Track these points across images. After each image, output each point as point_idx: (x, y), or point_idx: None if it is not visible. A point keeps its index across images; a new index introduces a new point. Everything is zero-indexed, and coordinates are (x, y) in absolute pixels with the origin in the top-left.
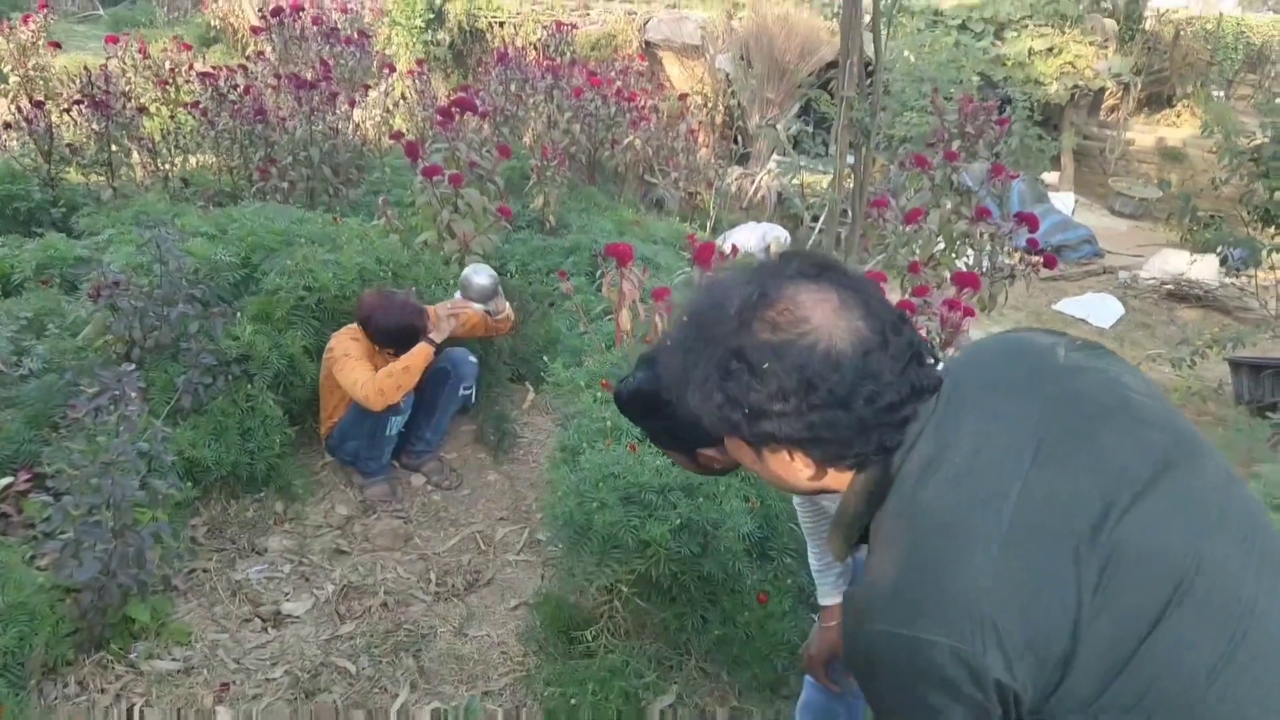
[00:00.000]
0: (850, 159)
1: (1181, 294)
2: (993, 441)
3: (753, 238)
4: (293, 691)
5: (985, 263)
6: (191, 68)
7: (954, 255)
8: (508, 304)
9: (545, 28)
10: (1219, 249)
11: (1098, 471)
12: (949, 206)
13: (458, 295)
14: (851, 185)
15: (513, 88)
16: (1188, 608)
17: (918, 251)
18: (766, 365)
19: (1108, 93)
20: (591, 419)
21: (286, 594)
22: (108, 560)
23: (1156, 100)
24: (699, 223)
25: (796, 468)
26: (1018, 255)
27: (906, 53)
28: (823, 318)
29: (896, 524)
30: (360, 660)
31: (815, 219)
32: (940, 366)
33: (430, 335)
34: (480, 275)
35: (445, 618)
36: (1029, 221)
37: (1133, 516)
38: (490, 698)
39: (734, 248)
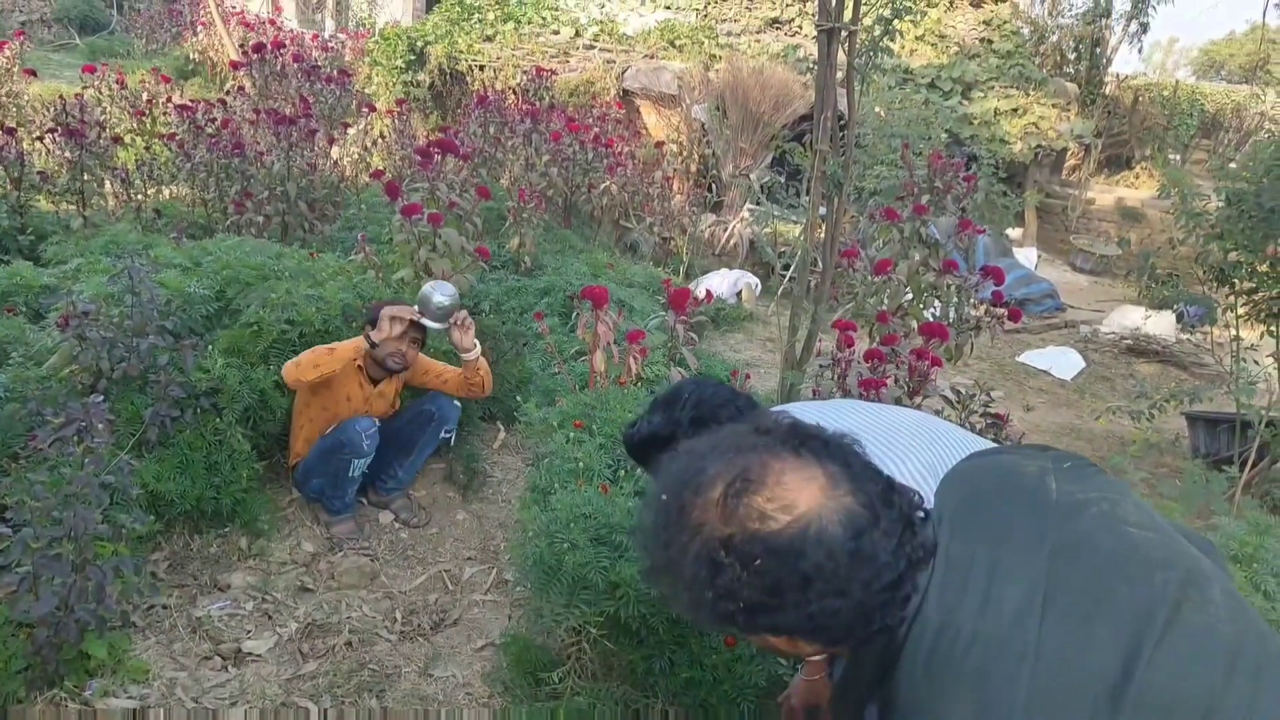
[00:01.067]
0: (823, 210)
1: (1140, 349)
2: (999, 604)
3: (725, 283)
4: None
5: (951, 314)
6: (169, 100)
7: (921, 306)
8: (478, 344)
9: (525, 73)
10: (1175, 306)
11: (1113, 627)
12: (917, 258)
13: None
14: (823, 235)
15: (492, 130)
16: None
17: (886, 302)
18: (759, 562)
19: (1070, 153)
20: (563, 459)
21: (248, 631)
22: (66, 594)
23: (1116, 161)
24: (672, 267)
25: (794, 644)
26: (983, 308)
27: (878, 108)
28: (810, 500)
29: (910, 700)
30: (322, 700)
31: (786, 267)
32: (929, 506)
33: (369, 332)
34: (438, 293)
35: (410, 658)
36: (994, 275)
37: (1151, 672)
38: None
39: (708, 292)
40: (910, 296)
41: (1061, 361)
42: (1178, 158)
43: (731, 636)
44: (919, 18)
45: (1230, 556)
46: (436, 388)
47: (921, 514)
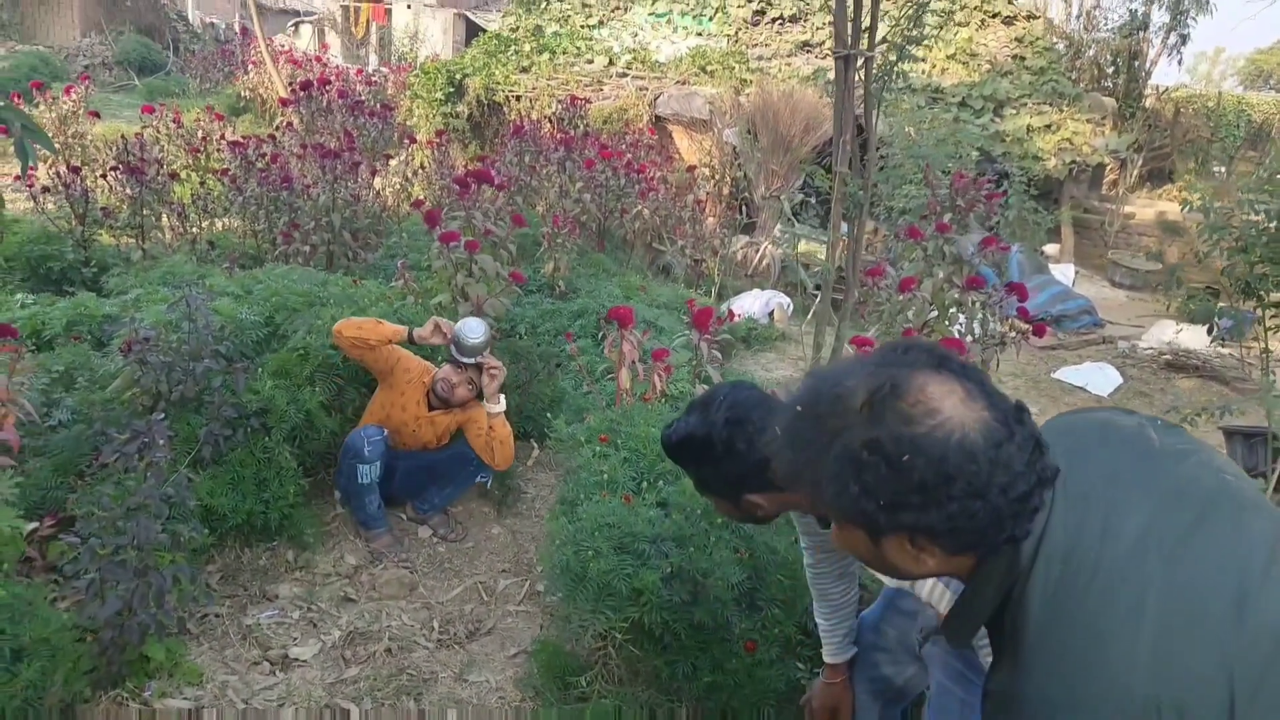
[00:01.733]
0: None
1: (1179, 364)
2: (1118, 536)
3: (756, 304)
4: None
5: (977, 329)
6: (223, 137)
7: (946, 322)
8: (503, 400)
9: (560, 102)
10: (1206, 320)
11: (1224, 558)
12: (942, 275)
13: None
14: (845, 255)
15: (527, 159)
16: None
17: (911, 318)
18: (906, 458)
19: (1109, 168)
20: (590, 472)
21: (295, 639)
22: (129, 599)
23: (1158, 175)
24: (704, 289)
25: (918, 556)
26: (1009, 323)
27: (909, 128)
28: (953, 409)
29: (1044, 620)
30: (364, 702)
31: (817, 287)
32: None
33: (417, 330)
34: (474, 334)
35: (446, 664)
36: (1018, 291)
37: (1260, 603)
38: None
39: (729, 311)
40: (935, 313)
41: (1098, 378)
42: (1222, 169)
43: (752, 642)
44: (938, 41)
45: None
46: (471, 440)
47: (1046, 443)
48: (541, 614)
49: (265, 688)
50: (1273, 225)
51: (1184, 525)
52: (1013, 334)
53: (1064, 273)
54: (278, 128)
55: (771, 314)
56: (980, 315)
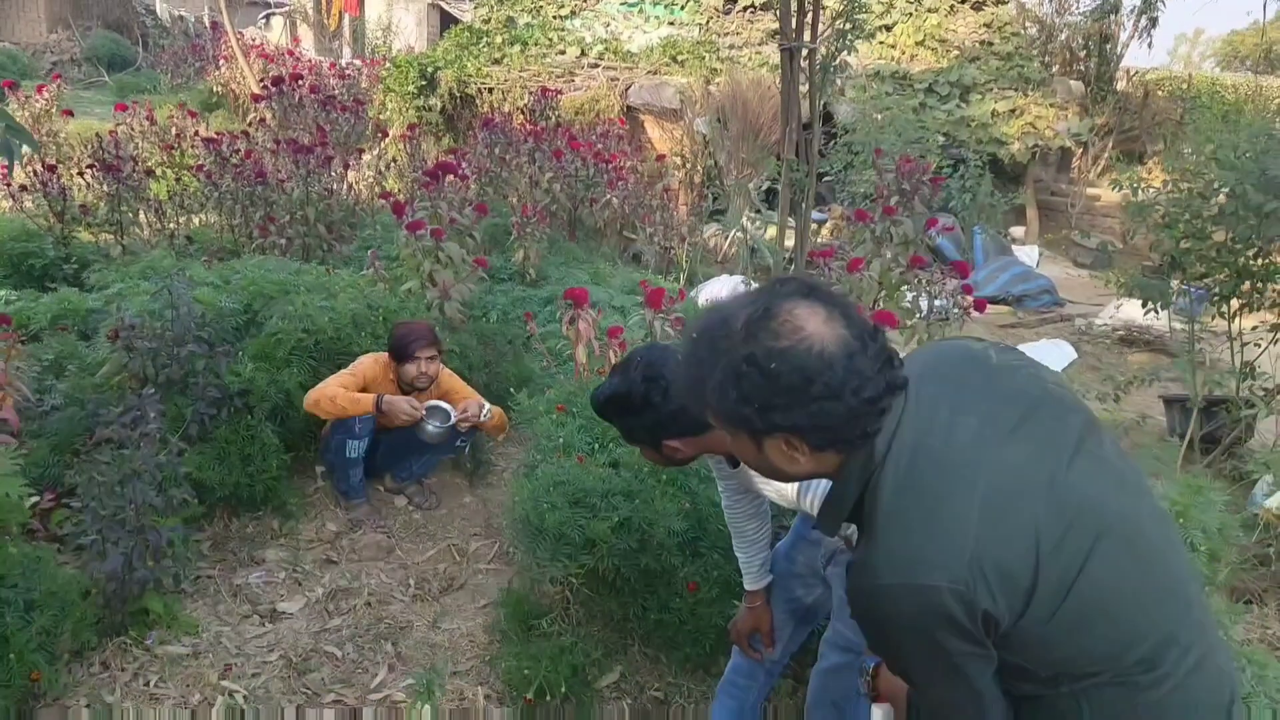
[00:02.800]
0: (818, 214)
1: (1132, 339)
2: (959, 429)
3: (725, 289)
4: (286, 671)
5: (924, 306)
6: (196, 133)
7: (894, 301)
8: (485, 407)
9: (532, 93)
10: (1144, 295)
11: (1041, 447)
12: (889, 256)
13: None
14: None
15: (497, 150)
16: (1109, 545)
17: (861, 298)
18: (773, 366)
19: (1086, 151)
20: (548, 439)
21: (282, 595)
22: (129, 553)
23: (1130, 157)
24: (674, 276)
25: (793, 456)
26: (953, 300)
27: (877, 115)
28: (815, 327)
29: (894, 499)
30: (346, 648)
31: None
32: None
33: (381, 404)
34: (430, 424)
35: (421, 614)
36: (960, 269)
37: (1067, 480)
38: (459, 676)
39: (681, 290)
40: (884, 292)
41: (1053, 353)
42: (1189, 150)
43: (694, 583)
44: (893, 29)
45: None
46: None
47: (899, 362)
48: (510, 571)
49: (255, 637)
50: (1195, 203)
51: (1012, 422)
52: (955, 310)
53: (1028, 254)
54: (251, 124)
55: None
56: (925, 293)
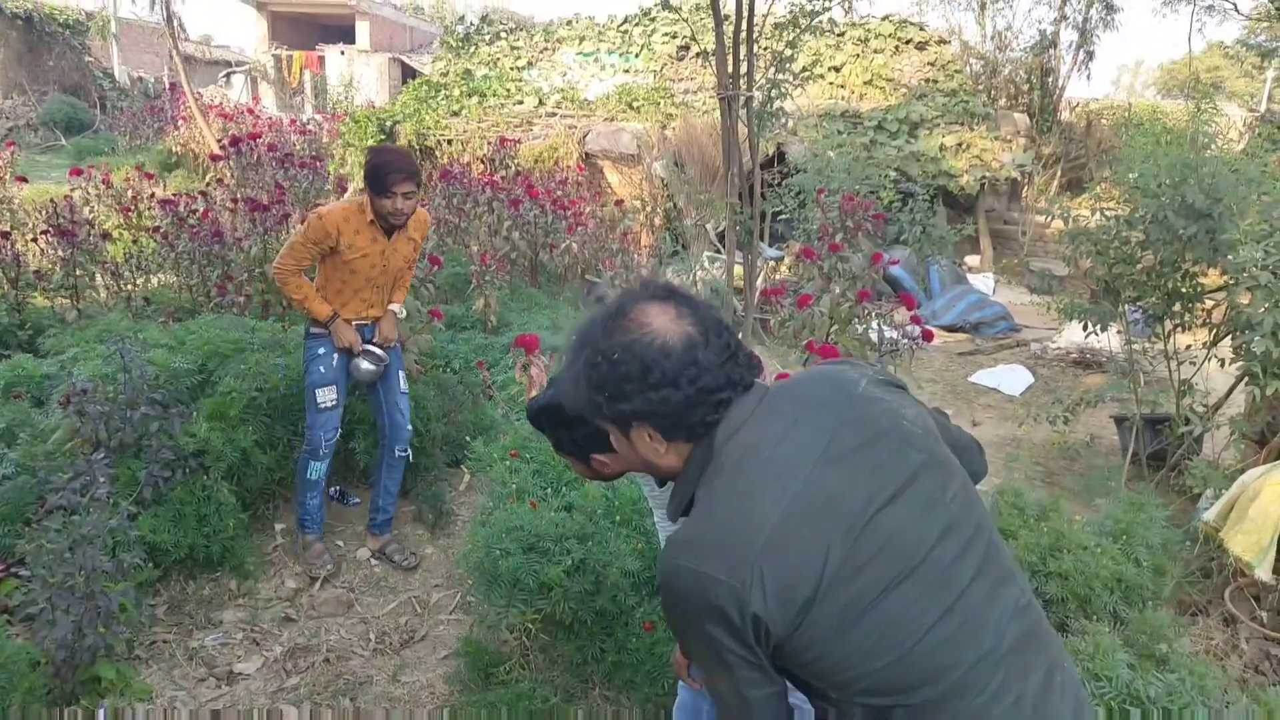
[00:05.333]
0: (774, 251)
1: (1085, 361)
2: (793, 440)
3: None
4: None
5: (873, 337)
6: (153, 195)
7: (846, 335)
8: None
9: (490, 143)
10: (1081, 319)
11: (867, 477)
12: (838, 291)
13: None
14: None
15: (455, 201)
16: (913, 585)
17: (814, 333)
18: (617, 356)
19: (1025, 181)
20: (503, 485)
21: (239, 656)
22: (79, 621)
23: (1078, 184)
24: None
25: (654, 447)
26: (902, 332)
27: (830, 153)
28: (661, 324)
29: (712, 488)
30: (303, 706)
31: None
32: (770, 380)
33: (331, 324)
34: (365, 361)
35: (381, 668)
36: (906, 301)
37: (885, 513)
38: None
39: None
40: (835, 327)
41: (1010, 378)
42: (1134, 175)
43: (650, 623)
44: (808, 78)
45: (1106, 532)
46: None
47: (752, 364)
48: (471, 620)
49: (211, 699)
50: (1122, 230)
51: (848, 447)
52: (904, 340)
53: (984, 282)
54: (209, 183)
55: None
56: (874, 325)
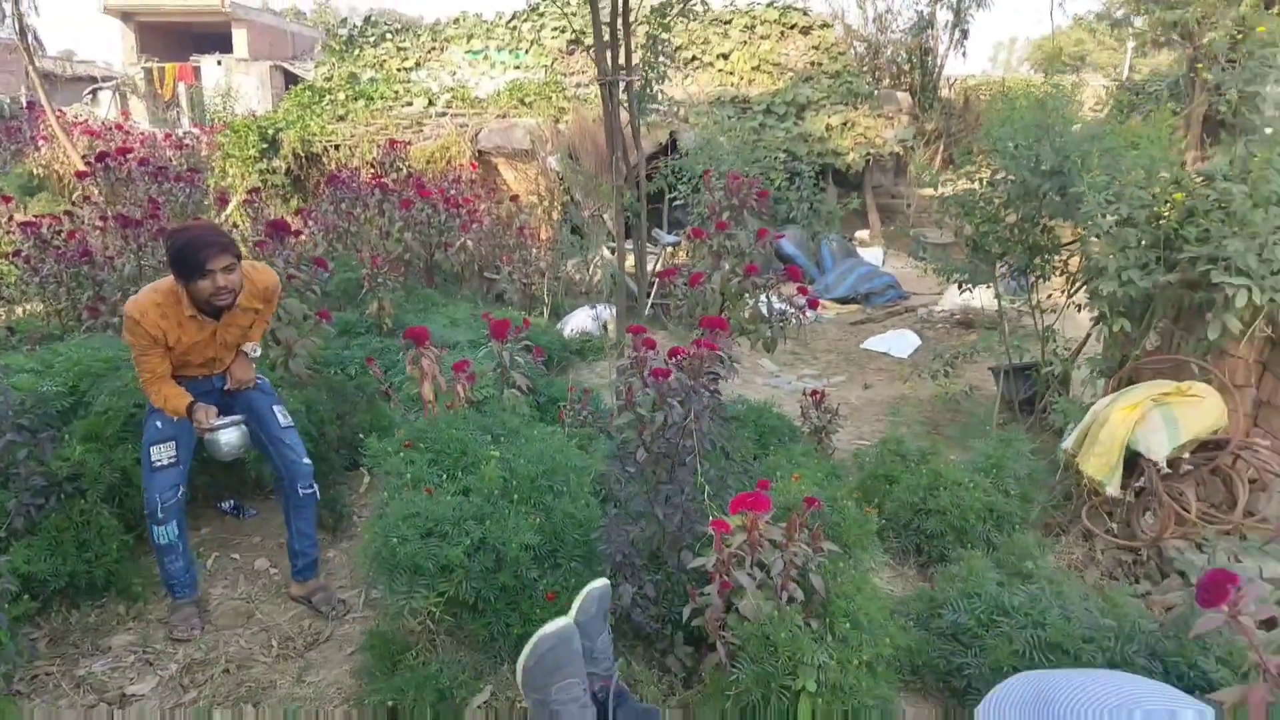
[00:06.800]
0: (670, 237)
1: (968, 321)
2: None
3: (587, 318)
4: None
5: (764, 310)
6: (11, 219)
7: (737, 310)
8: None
9: (380, 147)
10: (954, 277)
11: None
12: (728, 268)
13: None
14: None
15: (344, 205)
16: None
17: (707, 309)
18: None
19: (908, 155)
20: (398, 476)
21: (131, 679)
22: None
23: (958, 157)
24: (538, 310)
25: None
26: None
27: (722, 138)
28: None
29: None
30: (203, 716)
31: (648, 295)
32: None
33: (197, 414)
34: (224, 435)
35: (285, 672)
36: (791, 274)
37: None
38: None
39: (525, 319)
40: (725, 302)
41: (899, 342)
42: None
43: (553, 593)
44: (685, 60)
45: (979, 469)
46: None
47: None
48: (377, 615)
49: None
50: (986, 191)
51: None
52: (792, 310)
53: (874, 254)
54: (74, 202)
55: (606, 325)
56: (763, 298)
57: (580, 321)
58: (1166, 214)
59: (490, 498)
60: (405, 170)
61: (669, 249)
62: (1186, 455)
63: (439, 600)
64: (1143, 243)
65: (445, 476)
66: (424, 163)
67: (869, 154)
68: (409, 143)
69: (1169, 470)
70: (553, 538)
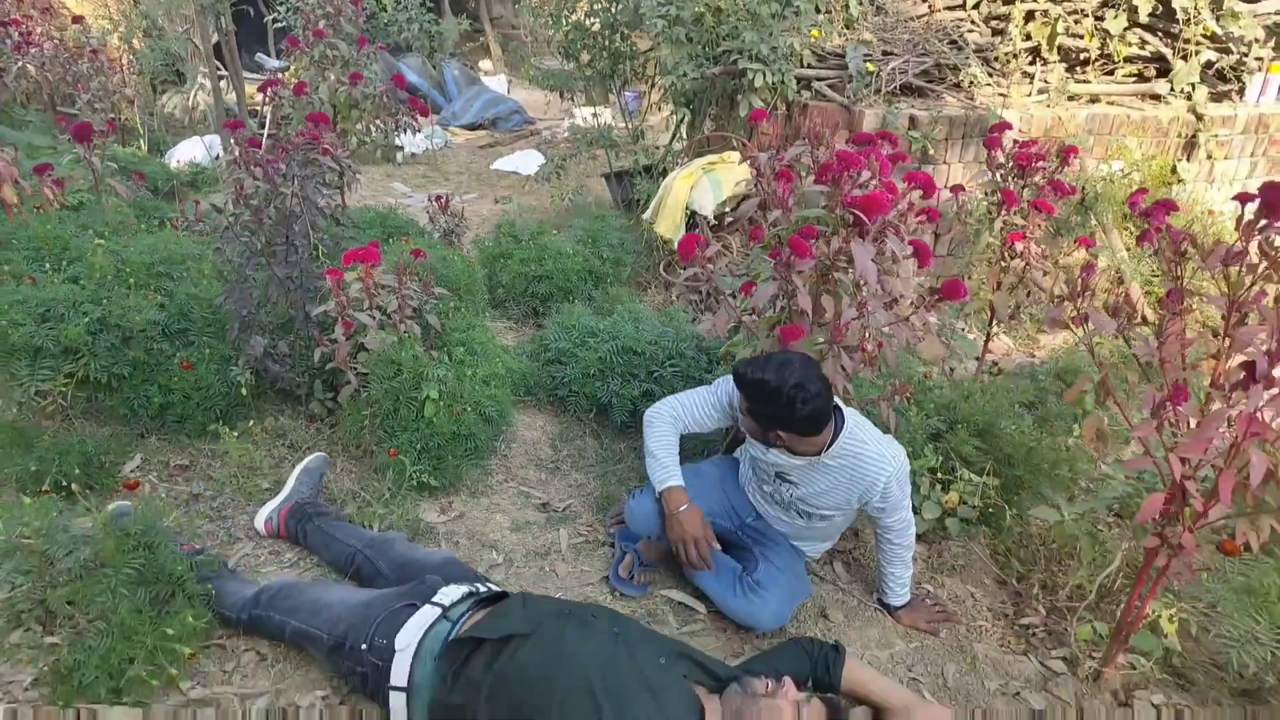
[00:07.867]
0: (275, 62)
1: (591, 139)
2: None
3: (198, 150)
4: None
5: (379, 124)
6: None
7: (350, 121)
8: None
9: None
10: (574, 97)
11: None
12: (333, 78)
13: None
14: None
15: None
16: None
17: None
18: None
19: None
20: None
21: None
22: None
23: None
24: (134, 145)
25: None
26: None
27: None
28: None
29: None
30: None
31: (262, 125)
32: None
33: None
34: None
35: None
36: (415, 105)
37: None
38: None
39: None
40: (334, 109)
41: (525, 162)
42: None
43: (188, 363)
44: None
45: (579, 240)
46: None
47: None
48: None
49: None
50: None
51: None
52: (400, 121)
53: (498, 82)
54: None
55: (217, 156)
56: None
57: (189, 152)
58: (706, 15)
59: (104, 284)
60: None
61: (278, 74)
62: (728, 210)
63: (67, 382)
64: (694, 40)
65: (49, 268)
66: None
67: None
68: None
69: (715, 222)
70: (180, 317)
